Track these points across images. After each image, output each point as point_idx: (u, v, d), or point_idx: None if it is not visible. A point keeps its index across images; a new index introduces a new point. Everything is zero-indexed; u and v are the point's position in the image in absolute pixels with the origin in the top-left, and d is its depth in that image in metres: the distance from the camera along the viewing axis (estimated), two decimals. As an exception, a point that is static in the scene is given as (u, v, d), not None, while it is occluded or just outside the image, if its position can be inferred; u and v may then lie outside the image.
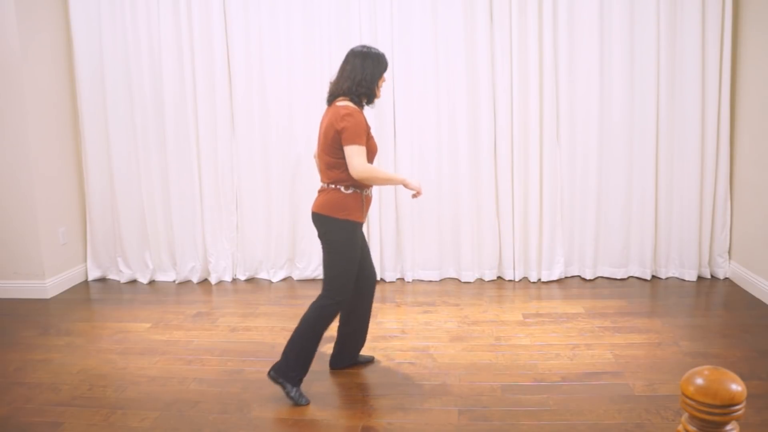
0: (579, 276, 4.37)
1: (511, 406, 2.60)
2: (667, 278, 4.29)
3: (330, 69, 4.19)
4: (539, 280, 4.30)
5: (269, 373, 2.71)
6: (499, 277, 4.39)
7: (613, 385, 2.76)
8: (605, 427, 2.42)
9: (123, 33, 4.31)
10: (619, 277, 4.30)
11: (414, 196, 2.81)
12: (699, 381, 1.14)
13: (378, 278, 4.38)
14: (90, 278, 4.63)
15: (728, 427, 1.14)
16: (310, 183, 4.35)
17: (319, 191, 2.75)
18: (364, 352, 3.13)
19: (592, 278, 4.31)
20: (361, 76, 2.68)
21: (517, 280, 4.34)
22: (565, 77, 4.12)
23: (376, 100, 2.79)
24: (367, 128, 2.65)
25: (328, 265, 2.73)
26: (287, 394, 2.69)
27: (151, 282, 4.58)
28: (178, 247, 4.51)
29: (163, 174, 4.46)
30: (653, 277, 4.31)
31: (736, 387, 1.12)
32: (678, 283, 4.20)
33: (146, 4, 4.25)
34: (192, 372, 3.03)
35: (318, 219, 2.73)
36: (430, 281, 4.38)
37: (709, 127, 4.08)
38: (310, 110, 4.28)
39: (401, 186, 3.86)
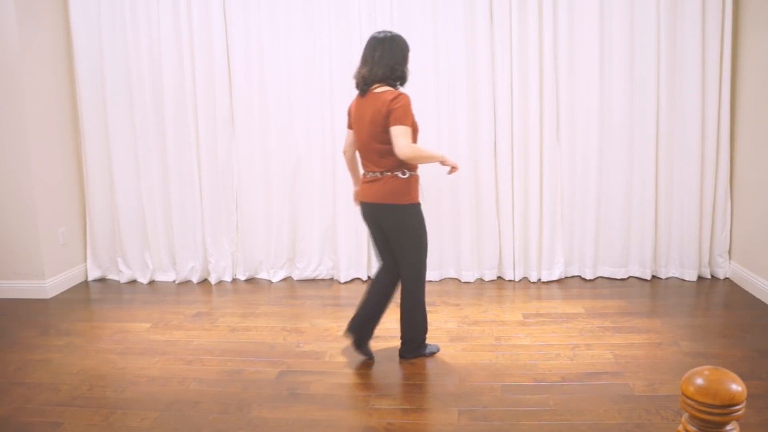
0: (579, 276, 4.37)
1: (511, 406, 2.60)
2: (667, 278, 4.29)
3: (330, 69, 4.20)
4: (539, 280, 4.30)
5: (403, 357, 3.04)
6: (499, 277, 4.39)
7: (613, 385, 2.76)
8: (605, 427, 2.42)
9: (123, 33, 4.31)
10: (619, 277, 4.30)
11: (450, 172, 2.88)
12: (699, 381, 1.14)
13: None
14: (90, 278, 4.63)
15: (728, 427, 1.14)
16: (310, 183, 4.36)
17: (371, 181, 2.79)
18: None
19: (592, 278, 4.31)
20: (393, 60, 2.72)
21: (517, 280, 4.34)
22: (565, 77, 4.12)
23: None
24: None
25: (406, 251, 2.82)
26: (426, 355, 3.06)
27: (151, 282, 4.58)
28: (178, 247, 4.51)
29: (163, 174, 4.46)
30: (653, 277, 4.31)
31: (736, 387, 1.12)
32: (678, 283, 4.20)
33: (146, 4, 4.25)
34: (192, 372, 3.03)
35: (377, 208, 2.79)
36: (430, 281, 4.38)
37: (709, 127, 4.08)
38: (310, 110, 4.28)
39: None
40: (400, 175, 2.74)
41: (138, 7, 4.25)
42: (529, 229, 4.29)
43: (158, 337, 3.49)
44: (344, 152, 3.07)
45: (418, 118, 4.15)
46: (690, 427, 1.16)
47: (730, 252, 4.25)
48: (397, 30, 4.10)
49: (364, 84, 2.77)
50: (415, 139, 2.77)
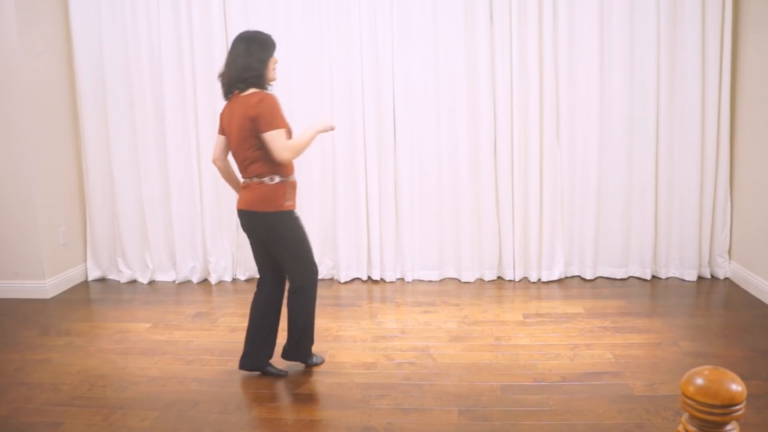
0: (579, 276, 4.37)
1: (511, 406, 2.60)
2: (667, 278, 4.29)
3: (330, 69, 4.20)
4: (539, 280, 4.30)
5: (285, 358, 2.95)
6: (499, 277, 4.39)
7: (613, 385, 2.76)
8: (605, 427, 2.42)
9: (123, 33, 4.31)
10: (619, 277, 4.30)
11: (327, 130, 2.78)
12: (699, 381, 1.14)
13: (378, 278, 4.39)
14: (90, 278, 4.63)
15: (728, 427, 1.14)
16: (310, 183, 4.35)
17: (244, 187, 2.73)
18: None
19: (592, 278, 4.31)
20: (245, 61, 2.59)
21: (517, 280, 4.34)
22: (565, 77, 4.11)
23: (273, 83, 2.73)
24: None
25: (285, 260, 2.79)
26: (311, 365, 3.00)
27: (151, 282, 4.58)
28: (178, 247, 4.51)
29: (163, 174, 4.46)
30: (653, 277, 4.30)
31: (736, 387, 1.12)
32: (678, 283, 4.20)
33: (146, 4, 4.25)
34: (192, 372, 3.03)
35: (248, 216, 2.71)
36: (430, 281, 4.38)
37: (709, 127, 4.08)
38: (310, 110, 4.28)
39: (394, 181, 4.10)
40: (267, 181, 2.64)
41: (138, 7, 4.25)
42: (529, 229, 4.29)
43: (158, 337, 3.49)
44: (215, 161, 2.84)
45: (417, 118, 4.23)
46: (690, 427, 1.16)
47: (730, 252, 4.25)
48: (396, 30, 4.13)
49: (227, 87, 2.68)
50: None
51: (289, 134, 2.67)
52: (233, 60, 2.63)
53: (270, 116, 2.55)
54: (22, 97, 4.04)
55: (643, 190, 4.18)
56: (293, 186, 2.76)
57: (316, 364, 3.03)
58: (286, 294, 2.93)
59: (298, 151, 2.62)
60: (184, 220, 4.48)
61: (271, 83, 2.73)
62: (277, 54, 4.22)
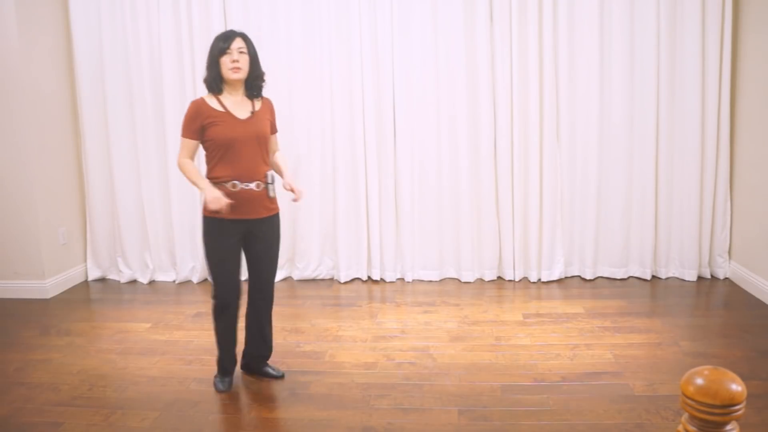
0: (579, 276, 4.37)
1: (511, 406, 2.60)
2: (667, 278, 4.29)
3: (330, 69, 4.20)
4: (539, 280, 4.30)
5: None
6: (499, 277, 4.39)
7: (613, 385, 2.76)
8: (605, 427, 2.42)
9: (123, 33, 4.31)
10: (619, 277, 4.30)
11: (213, 209, 2.54)
12: (699, 381, 1.14)
13: (378, 278, 4.39)
14: (90, 278, 4.63)
15: (728, 427, 1.14)
16: (310, 183, 4.35)
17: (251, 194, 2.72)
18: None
19: (592, 278, 4.31)
20: (206, 64, 2.67)
21: (517, 280, 4.34)
22: (565, 77, 4.11)
23: (230, 80, 2.64)
24: (205, 117, 2.58)
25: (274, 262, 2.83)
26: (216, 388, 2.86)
27: (151, 282, 4.58)
28: (178, 247, 4.50)
29: (163, 174, 4.46)
30: (653, 277, 4.30)
31: (736, 387, 1.12)
32: (678, 283, 4.20)
33: (146, 4, 4.25)
34: (192, 372, 3.03)
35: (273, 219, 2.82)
36: (430, 281, 4.38)
37: (709, 127, 4.08)
38: (310, 110, 4.28)
39: (394, 181, 4.13)
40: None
41: (138, 7, 4.25)
42: (529, 229, 4.29)
43: (158, 337, 3.49)
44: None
45: (417, 118, 4.23)
46: (690, 427, 1.16)
47: (730, 252, 4.25)
48: (396, 30, 4.13)
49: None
50: (216, 146, 2.60)
51: (186, 147, 2.64)
52: None
53: (182, 123, 2.67)
54: (22, 98, 4.04)
55: (643, 190, 4.18)
56: (236, 194, 2.61)
57: (219, 390, 2.85)
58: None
59: (182, 173, 2.68)
60: (184, 220, 4.47)
61: (224, 84, 2.66)
62: (278, 54, 4.27)
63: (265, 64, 4.18)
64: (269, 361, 2.97)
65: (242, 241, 2.72)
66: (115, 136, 4.42)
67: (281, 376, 2.91)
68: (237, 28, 4.12)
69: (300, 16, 4.20)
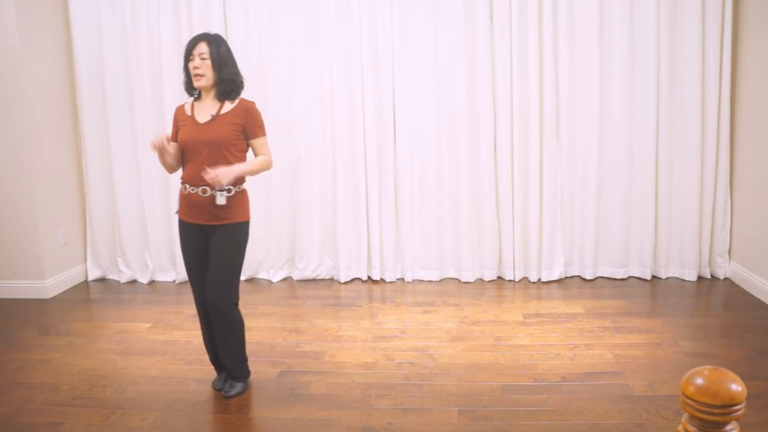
0: (579, 276, 4.37)
1: (511, 406, 2.60)
2: (667, 278, 4.29)
3: (330, 69, 4.20)
4: (539, 280, 4.30)
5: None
6: (499, 277, 4.39)
7: (613, 385, 2.76)
8: (605, 427, 2.42)
9: (123, 33, 4.31)
10: (619, 277, 4.30)
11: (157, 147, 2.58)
12: (699, 381, 1.14)
13: (378, 278, 4.39)
14: (90, 278, 4.63)
15: (728, 427, 1.14)
16: (310, 183, 4.36)
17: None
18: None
19: (592, 278, 4.31)
20: None
21: (517, 280, 4.34)
22: (565, 77, 4.11)
23: (198, 88, 2.68)
24: (176, 121, 2.71)
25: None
26: (242, 391, 2.79)
27: (151, 282, 4.58)
28: (178, 247, 4.48)
29: (163, 174, 4.45)
30: (653, 277, 4.30)
31: (736, 387, 1.12)
32: (678, 283, 4.20)
33: (146, 4, 4.25)
34: (192, 372, 3.03)
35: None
36: (430, 281, 4.38)
37: (709, 127, 4.08)
38: (310, 110, 4.28)
39: (394, 181, 4.13)
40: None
41: (138, 6, 4.25)
42: (529, 229, 4.29)
43: (158, 337, 3.49)
44: None
45: (417, 118, 4.24)
46: (690, 427, 1.16)
47: (730, 252, 4.25)
48: (396, 30, 4.13)
49: None
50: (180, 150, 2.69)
51: (174, 148, 2.74)
52: None
53: None
54: (22, 98, 4.04)
55: (643, 190, 4.18)
56: (185, 197, 2.66)
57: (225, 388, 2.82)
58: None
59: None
60: (184, 220, 4.47)
61: (195, 92, 2.72)
62: (278, 54, 4.27)
63: (265, 64, 4.27)
64: (236, 380, 2.81)
65: (207, 247, 2.69)
66: (115, 136, 4.42)
67: (225, 396, 2.74)
68: (237, 27, 4.20)
69: (300, 16, 4.20)
